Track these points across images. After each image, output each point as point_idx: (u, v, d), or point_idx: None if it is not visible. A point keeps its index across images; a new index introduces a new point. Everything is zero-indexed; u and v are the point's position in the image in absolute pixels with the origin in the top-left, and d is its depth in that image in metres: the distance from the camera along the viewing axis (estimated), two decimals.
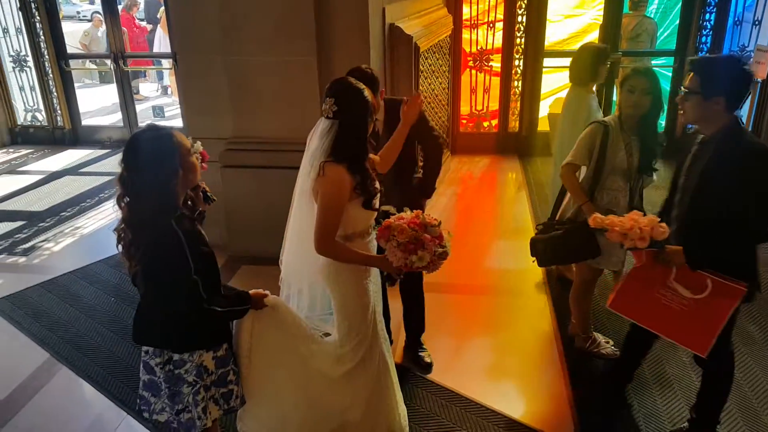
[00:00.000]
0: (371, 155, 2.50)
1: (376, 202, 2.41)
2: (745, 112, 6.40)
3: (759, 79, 6.10)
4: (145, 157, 2.02)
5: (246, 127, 4.31)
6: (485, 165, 6.80)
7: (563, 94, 4.41)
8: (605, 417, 3.04)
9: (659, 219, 2.45)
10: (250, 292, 2.35)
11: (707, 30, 6.44)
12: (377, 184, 2.41)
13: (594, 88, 4.11)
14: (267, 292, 2.43)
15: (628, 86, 3.03)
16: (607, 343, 3.48)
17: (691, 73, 2.44)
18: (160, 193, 2.03)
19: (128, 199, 2.06)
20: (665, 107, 3.17)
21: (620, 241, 2.47)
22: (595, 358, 3.43)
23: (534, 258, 3.32)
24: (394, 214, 2.39)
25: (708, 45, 6.47)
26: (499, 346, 3.66)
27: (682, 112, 2.51)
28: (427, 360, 3.39)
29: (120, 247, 2.14)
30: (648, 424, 2.96)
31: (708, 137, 2.47)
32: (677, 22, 6.84)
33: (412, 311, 3.46)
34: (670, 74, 6.82)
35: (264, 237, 3.38)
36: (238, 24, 4.12)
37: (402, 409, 2.75)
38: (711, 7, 6.38)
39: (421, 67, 4.94)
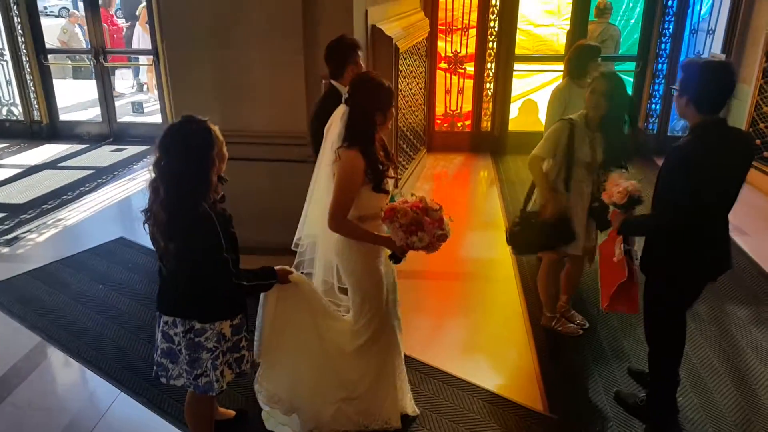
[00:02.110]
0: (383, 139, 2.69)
1: (388, 186, 2.60)
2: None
3: None
4: (187, 148, 2.22)
5: (234, 121, 4.46)
6: (459, 162, 7.09)
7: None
8: (569, 386, 3.32)
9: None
10: (276, 268, 2.58)
11: (666, 37, 6.86)
12: (388, 169, 2.61)
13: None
14: (292, 269, 2.67)
15: (591, 88, 3.34)
16: (580, 323, 3.77)
17: None
18: (200, 181, 2.23)
19: (165, 185, 2.21)
20: (629, 109, 3.44)
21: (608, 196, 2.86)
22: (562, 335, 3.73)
23: (511, 247, 3.64)
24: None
25: (667, 51, 6.88)
26: (473, 325, 3.93)
27: None
28: None
29: (147, 226, 2.32)
30: (609, 393, 3.25)
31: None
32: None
33: None
34: (632, 78, 7.21)
35: (252, 227, 3.57)
36: (227, 21, 4.29)
37: (407, 387, 3.01)
38: (670, 17, 6.79)
39: (400, 67, 5.18)
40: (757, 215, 5.46)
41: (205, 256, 2.26)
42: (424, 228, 2.41)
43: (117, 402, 3.23)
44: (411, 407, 3.03)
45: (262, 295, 2.65)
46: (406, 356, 3.07)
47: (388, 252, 2.66)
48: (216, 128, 2.31)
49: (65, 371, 3.58)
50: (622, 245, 2.90)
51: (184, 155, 2.21)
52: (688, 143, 2.60)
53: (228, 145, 2.39)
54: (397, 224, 2.43)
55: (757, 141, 6.04)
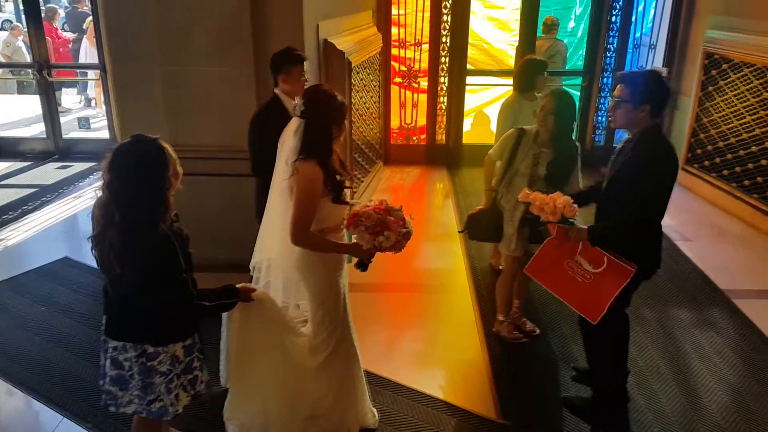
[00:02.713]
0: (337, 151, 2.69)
1: (346, 196, 2.61)
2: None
3: None
4: (141, 170, 2.13)
5: (182, 136, 4.40)
6: (415, 175, 7.15)
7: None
8: (522, 393, 3.37)
9: (573, 201, 2.82)
10: (238, 286, 2.52)
11: (611, 52, 7.10)
12: (345, 180, 2.62)
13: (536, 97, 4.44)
14: (256, 286, 2.64)
15: (539, 105, 3.45)
16: (531, 330, 3.86)
17: (620, 85, 2.82)
18: (157, 203, 2.16)
19: (120, 209, 2.12)
20: (574, 126, 3.58)
21: (538, 213, 2.86)
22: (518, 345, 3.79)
23: (465, 231, 3.79)
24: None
25: (612, 65, 7.13)
26: (428, 337, 3.94)
27: (612, 118, 2.89)
28: None
29: (96, 252, 2.23)
30: (559, 397, 3.32)
31: (632, 136, 2.85)
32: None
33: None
34: (579, 92, 7.44)
35: (203, 244, 3.48)
36: (174, 35, 4.24)
37: (368, 399, 3.00)
38: (614, 32, 7.04)
39: (353, 81, 5.21)
40: (699, 222, 5.68)
41: (165, 279, 2.19)
42: (390, 227, 2.45)
43: (59, 428, 3.10)
44: (371, 420, 3.02)
45: (224, 315, 2.59)
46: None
47: (355, 260, 2.66)
48: (168, 146, 2.24)
49: (5, 399, 3.42)
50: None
51: (138, 178, 2.13)
52: (658, 145, 2.74)
53: (179, 160, 2.34)
54: (363, 227, 2.46)
55: (698, 150, 6.30)
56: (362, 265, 2.62)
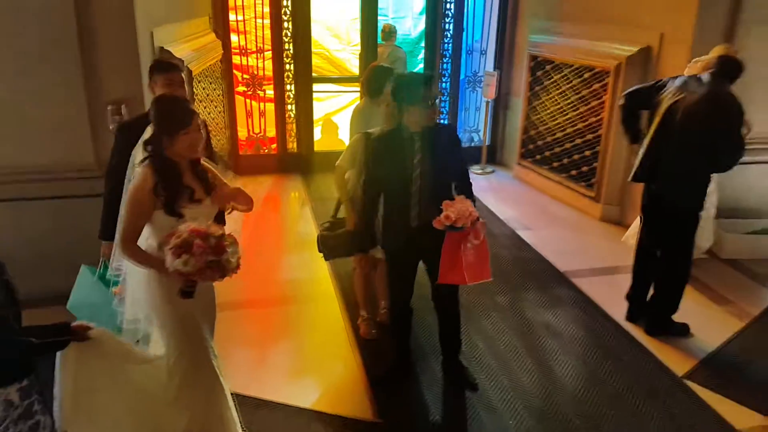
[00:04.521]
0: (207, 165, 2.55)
1: (183, 209, 2.41)
2: (480, 124, 7.62)
3: (489, 99, 7.35)
4: None
5: (3, 158, 3.93)
6: (269, 185, 7.00)
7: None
8: (396, 390, 3.44)
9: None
10: (73, 324, 2.29)
11: (447, 58, 7.53)
12: (194, 193, 2.45)
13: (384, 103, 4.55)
14: (92, 324, 2.36)
15: (387, 103, 3.51)
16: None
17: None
18: None
19: None
20: None
21: (452, 223, 2.94)
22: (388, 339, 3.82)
23: (321, 252, 3.78)
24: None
25: (449, 70, 7.56)
26: (297, 349, 3.86)
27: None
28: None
29: None
30: (431, 389, 3.45)
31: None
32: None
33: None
34: None
35: (33, 275, 3.11)
36: None
37: (238, 425, 2.80)
38: (448, 39, 7.47)
39: (195, 90, 4.97)
40: (536, 211, 6.19)
41: None
42: (192, 251, 2.22)
43: None
44: None
45: (58, 356, 2.31)
46: (231, 393, 2.90)
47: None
48: None
49: None
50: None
51: None
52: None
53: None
54: (168, 246, 2.25)
55: (530, 146, 6.89)
56: (183, 293, 2.35)
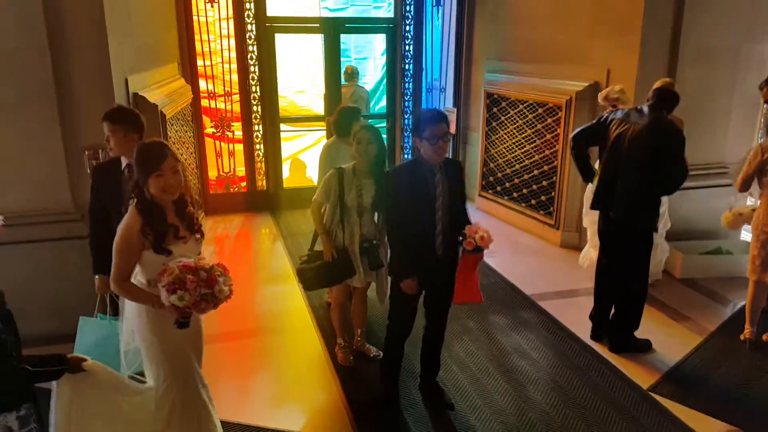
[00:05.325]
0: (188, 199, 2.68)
1: (171, 246, 2.53)
2: None
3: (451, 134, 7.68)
4: None
5: None
6: (239, 223, 7.11)
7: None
8: (375, 412, 3.57)
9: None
10: (69, 356, 2.39)
11: (408, 96, 7.88)
12: (179, 230, 2.58)
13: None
14: (86, 357, 2.47)
15: (356, 139, 3.74)
16: (375, 355, 4.09)
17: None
18: None
19: None
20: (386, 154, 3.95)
21: (480, 244, 3.26)
22: (364, 366, 3.99)
23: (301, 284, 3.93)
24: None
25: (410, 108, 7.90)
26: (279, 377, 3.97)
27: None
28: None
29: None
30: (408, 410, 3.59)
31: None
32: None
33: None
34: (385, 133, 8.09)
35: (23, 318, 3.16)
36: None
37: None
38: (408, 78, 7.84)
39: (168, 133, 5.11)
40: (500, 239, 6.26)
41: None
42: (186, 287, 2.36)
43: None
44: None
45: (54, 386, 2.39)
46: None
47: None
48: None
49: None
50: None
51: None
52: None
53: None
54: (161, 284, 2.39)
55: (491, 178, 7.21)
56: (179, 324, 2.51)
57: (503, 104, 6.84)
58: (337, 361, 4.04)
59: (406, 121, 7.96)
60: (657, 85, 3.98)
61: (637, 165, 3.87)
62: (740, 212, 4.41)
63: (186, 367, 2.70)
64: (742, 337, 4.32)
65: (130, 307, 2.68)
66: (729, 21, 5.32)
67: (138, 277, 2.60)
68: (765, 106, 5.29)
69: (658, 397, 3.71)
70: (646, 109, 3.91)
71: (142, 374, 2.81)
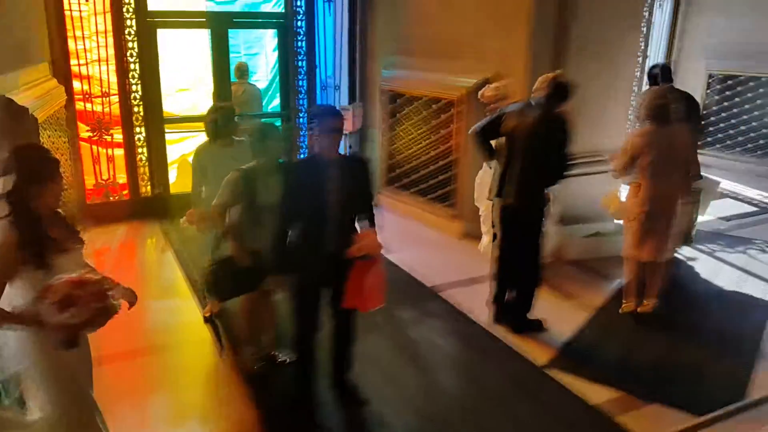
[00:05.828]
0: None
1: (52, 260, 2.31)
2: None
3: (346, 132, 7.63)
4: None
5: None
6: (122, 233, 6.58)
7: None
8: (290, 419, 3.47)
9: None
10: None
11: (302, 93, 7.72)
12: (63, 243, 2.36)
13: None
14: None
15: (253, 139, 3.63)
16: (282, 360, 3.93)
17: None
18: None
19: None
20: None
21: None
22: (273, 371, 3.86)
23: (214, 294, 3.85)
24: None
25: (305, 105, 7.75)
26: (180, 395, 3.73)
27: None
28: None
29: None
30: (323, 411, 3.53)
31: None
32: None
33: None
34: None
35: None
36: None
37: None
38: (302, 75, 7.67)
39: (42, 139, 4.64)
40: (402, 235, 6.42)
41: None
42: (77, 303, 2.18)
43: None
44: None
45: None
46: None
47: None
48: None
49: None
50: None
51: None
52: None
53: None
54: (49, 302, 2.17)
55: (392, 174, 7.24)
56: (67, 344, 2.29)
57: (399, 101, 6.89)
58: (244, 370, 3.85)
59: (300, 118, 7.80)
60: (550, 76, 4.14)
61: (531, 156, 4.05)
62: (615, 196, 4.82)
63: (76, 392, 2.47)
64: (620, 311, 4.67)
65: (2, 333, 2.37)
66: (607, 12, 5.62)
67: (13, 302, 2.31)
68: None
69: (554, 371, 3.92)
70: (541, 100, 4.08)
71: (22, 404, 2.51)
